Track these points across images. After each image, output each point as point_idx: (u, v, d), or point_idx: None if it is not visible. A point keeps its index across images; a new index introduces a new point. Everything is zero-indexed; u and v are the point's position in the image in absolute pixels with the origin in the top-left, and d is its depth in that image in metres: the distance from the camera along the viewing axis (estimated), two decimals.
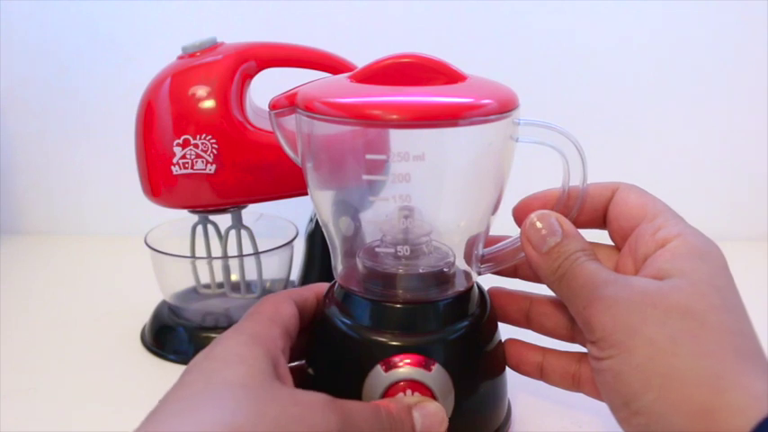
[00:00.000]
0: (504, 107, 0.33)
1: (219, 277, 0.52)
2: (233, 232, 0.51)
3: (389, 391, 0.33)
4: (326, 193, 0.38)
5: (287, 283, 0.55)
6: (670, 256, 0.31)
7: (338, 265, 0.39)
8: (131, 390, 0.45)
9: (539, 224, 0.33)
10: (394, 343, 0.34)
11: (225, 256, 0.51)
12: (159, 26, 0.69)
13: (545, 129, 0.34)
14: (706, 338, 0.28)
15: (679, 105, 0.71)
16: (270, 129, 0.47)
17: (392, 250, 0.37)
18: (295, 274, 0.56)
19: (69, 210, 0.77)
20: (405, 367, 0.33)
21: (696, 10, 0.68)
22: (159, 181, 0.46)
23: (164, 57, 0.48)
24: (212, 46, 0.47)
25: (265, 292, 0.53)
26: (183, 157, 0.45)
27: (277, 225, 0.54)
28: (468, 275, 0.38)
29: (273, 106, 0.36)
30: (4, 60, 0.71)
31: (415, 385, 0.33)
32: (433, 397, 0.33)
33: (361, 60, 0.49)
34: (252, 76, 0.47)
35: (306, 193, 0.49)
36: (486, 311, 0.37)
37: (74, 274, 0.67)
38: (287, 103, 0.35)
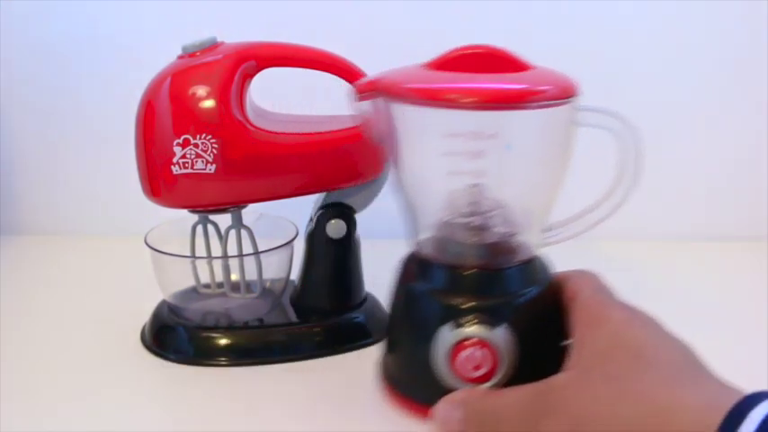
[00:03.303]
0: (567, 93, 0.38)
1: (219, 277, 0.52)
2: (233, 232, 0.51)
3: (457, 347, 0.38)
4: (408, 170, 0.42)
5: (287, 283, 0.55)
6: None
7: (417, 235, 0.43)
8: (131, 390, 0.45)
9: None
10: (464, 306, 0.39)
11: (225, 256, 0.51)
12: (159, 26, 0.69)
13: (603, 115, 0.39)
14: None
15: (679, 106, 0.71)
16: (270, 129, 0.47)
17: (464, 221, 0.41)
18: (295, 274, 0.56)
19: (69, 210, 0.77)
20: (472, 326, 0.38)
21: (698, 10, 0.68)
22: (159, 181, 0.46)
23: (164, 57, 0.47)
24: (212, 46, 0.47)
25: (265, 291, 0.53)
26: (183, 156, 0.45)
27: (277, 225, 0.54)
28: (532, 246, 0.42)
29: (360, 90, 0.40)
30: (4, 60, 0.71)
31: (482, 343, 0.37)
32: (498, 355, 0.37)
33: (361, 60, 0.50)
34: (252, 76, 0.47)
35: (306, 193, 0.49)
36: (548, 279, 0.41)
37: (74, 274, 0.67)
38: (369, 88, 0.39)
